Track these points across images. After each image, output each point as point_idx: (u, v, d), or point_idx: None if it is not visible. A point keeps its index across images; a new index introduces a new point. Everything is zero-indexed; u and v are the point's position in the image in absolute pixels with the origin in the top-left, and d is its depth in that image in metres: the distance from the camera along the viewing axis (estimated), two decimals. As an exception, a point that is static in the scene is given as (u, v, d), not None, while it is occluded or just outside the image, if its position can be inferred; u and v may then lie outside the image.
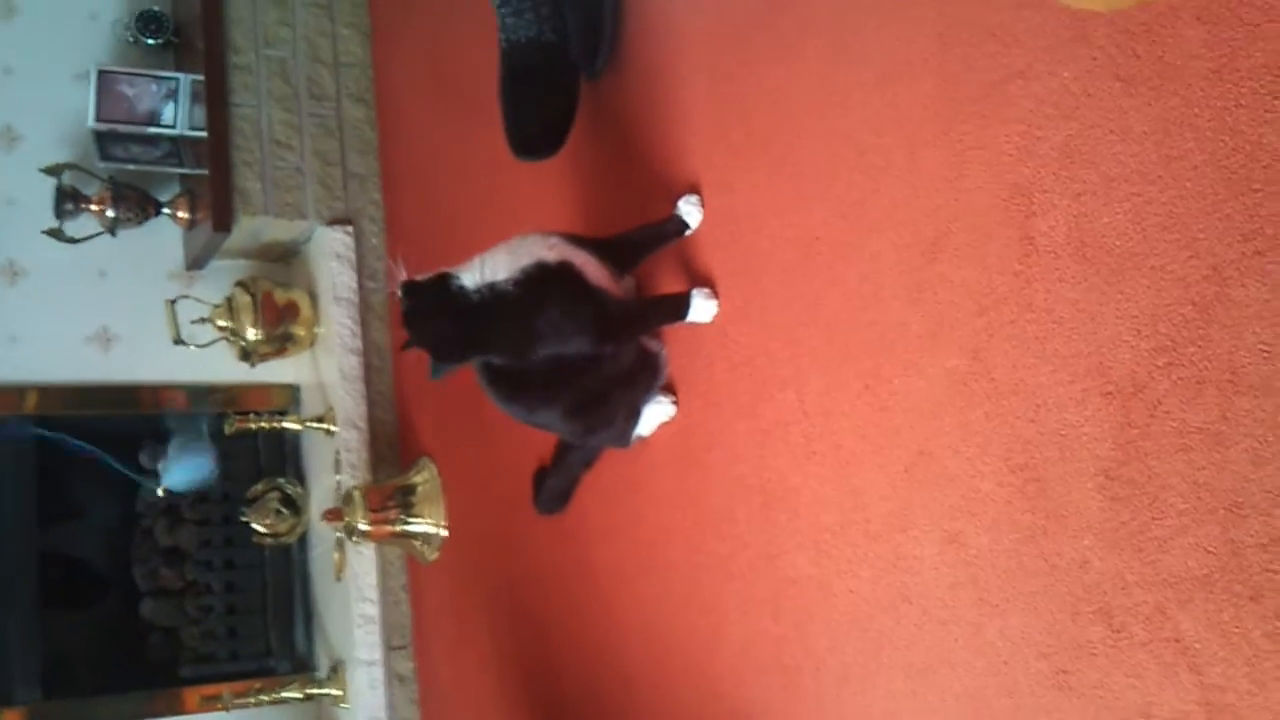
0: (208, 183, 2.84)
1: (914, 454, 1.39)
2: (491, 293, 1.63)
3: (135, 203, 2.92)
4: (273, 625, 3.21)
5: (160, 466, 3.10)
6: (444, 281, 1.65)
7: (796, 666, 1.60)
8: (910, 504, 1.40)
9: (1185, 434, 1.07)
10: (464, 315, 1.64)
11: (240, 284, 3.01)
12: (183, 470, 3.09)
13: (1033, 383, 1.23)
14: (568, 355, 1.70)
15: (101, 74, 2.86)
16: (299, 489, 3.09)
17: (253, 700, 2.88)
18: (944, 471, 1.35)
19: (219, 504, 3.19)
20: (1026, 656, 1.25)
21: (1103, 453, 1.15)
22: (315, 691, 2.95)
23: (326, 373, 3.00)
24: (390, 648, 2.86)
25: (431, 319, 1.65)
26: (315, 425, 2.98)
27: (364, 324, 2.96)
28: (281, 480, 3.09)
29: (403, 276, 1.66)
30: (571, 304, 1.65)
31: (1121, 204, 1.13)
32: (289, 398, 3.22)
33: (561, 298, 1.65)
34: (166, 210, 2.99)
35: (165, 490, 3.09)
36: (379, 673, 2.83)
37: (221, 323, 2.97)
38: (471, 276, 1.64)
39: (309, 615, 3.19)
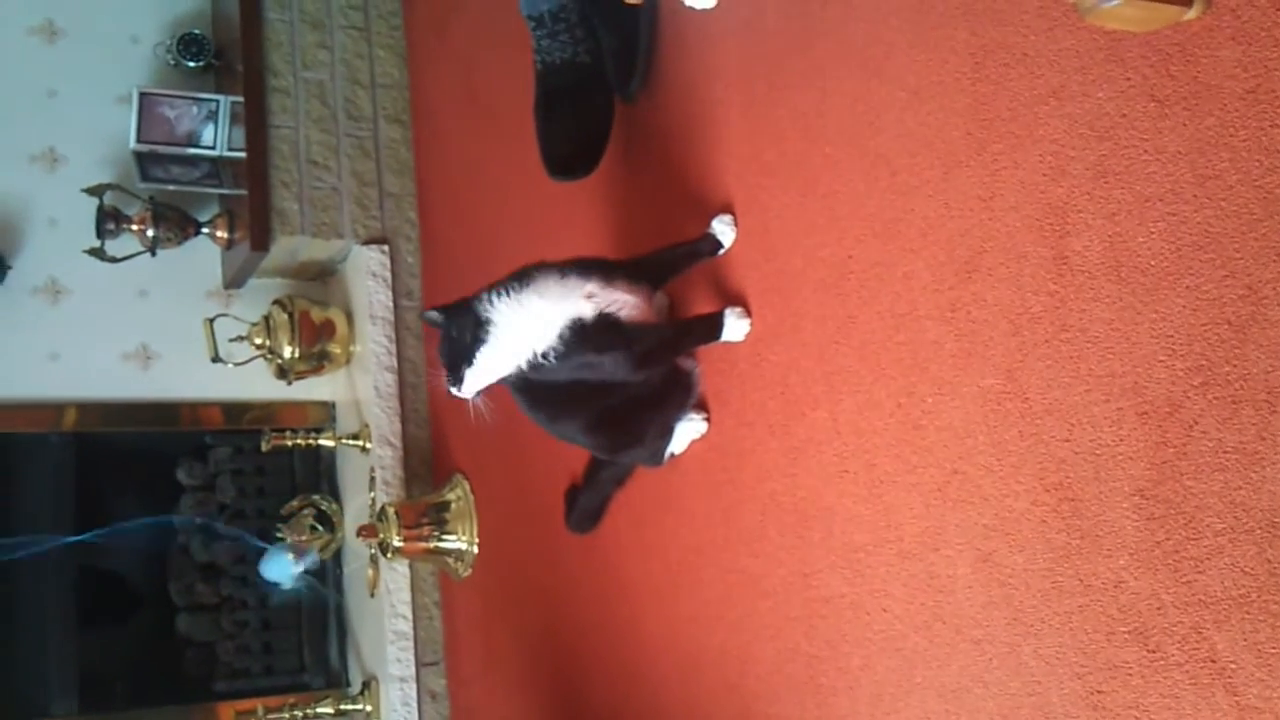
0: (246, 203, 2.88)
1: (947, 473, 1.39)
2: (538, 363, 1.66)
3: (175, 223, 2.97)
4: (307, 641, 3.23)
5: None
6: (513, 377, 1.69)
7: (830, 686, 1.59)
8: (944, 523, 1.40)
9: (1221, 453, 1.07)
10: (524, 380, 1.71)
11: (278, 303, 3.04)
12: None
13: (1067, 402, 1.23)
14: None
15: (143, 96, 2.91)
16: (334, 505, 3.12)
17: (286, 716, 2.89)
18: (978, 491, 1.35)
19: (255, 520, 3.21)
20: (1061, 677, 1.24)
21: (1138, 472, 1.15)
22: (348, 707, 2.96)
23: (362, 390, 3.03)
24: (422, 664, 2.88)
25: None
26: (350, 442, 3.00)
27: (399, 342, 2.98)
28: (316, 497, 3.12)
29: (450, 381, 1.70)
30: (608, 348, 1.67)
31: (1156, 224, 1.13)
32: (325, 415, 3.25)
33: (599, 344, 1.66)
34: (206, 230, 3.03)
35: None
36: (411, 689, 2.84)
37: (259, 341, 3.00)
38: (526, 353, 1.66)
39: (342, 631, 3.21)
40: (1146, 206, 1.14)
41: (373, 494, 2.90)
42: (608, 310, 1.66)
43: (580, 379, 1.71)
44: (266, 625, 3.20)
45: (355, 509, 3.07)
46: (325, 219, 2.97)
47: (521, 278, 1.68)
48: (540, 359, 1.65)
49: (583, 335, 1.64)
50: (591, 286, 1.66)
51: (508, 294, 1.66)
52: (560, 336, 1.64)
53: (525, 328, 1.64)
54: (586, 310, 1.64)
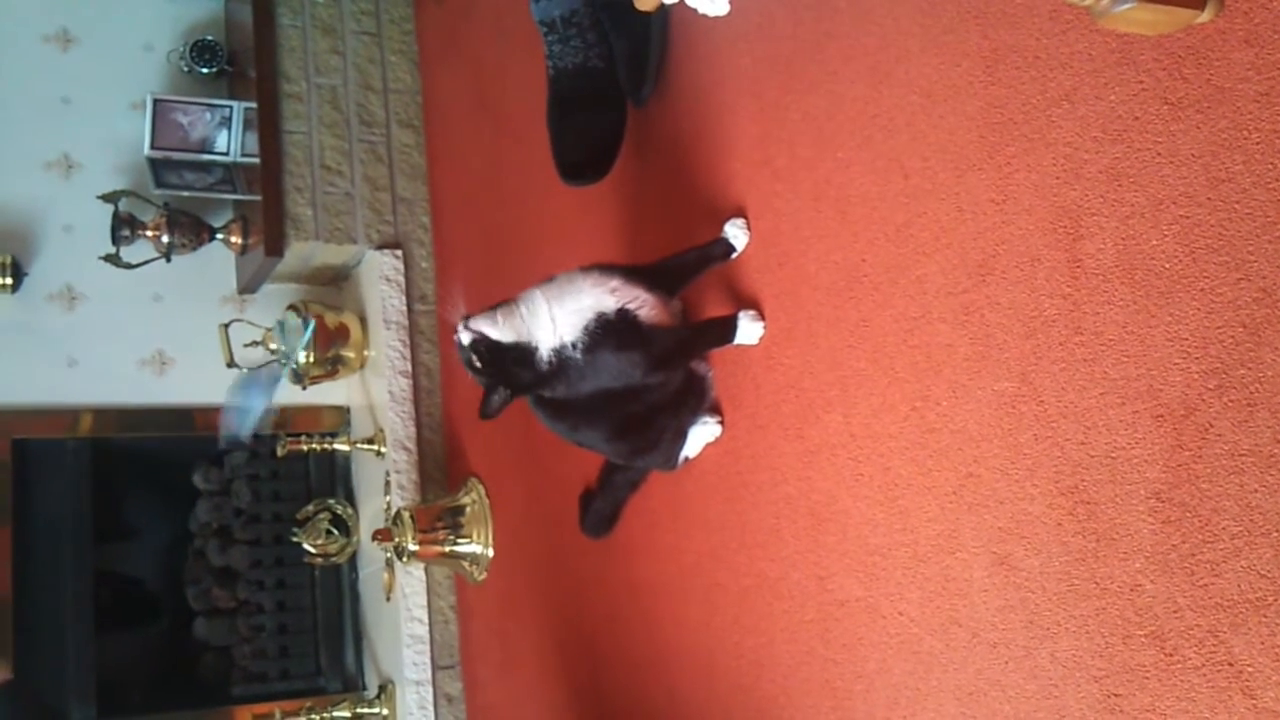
0: (260, 208, 2.89)
1: (962, 476, 1.39)
2: (566, 353, 1.68)
3: (189, 228, 2.98)
4: (323, 645, 3.24)
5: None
6: (528, 354, 1.68)
7: (846, 689, 1.59)
8: (959, 526, 1.40)
9: (1237, 456, 1.07)
10: (544, 380, 1.70)
11: (292, 308, 3.05)
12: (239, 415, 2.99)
13: (1082, 405, 1.23)
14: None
15: (157, 103, 2.92)
16: (349, 510, 3.12)
17: (303, 719, 2.90)
18: (993, 494, 1.35)
19: (270, 524, 3.23)
20: (1078, 680, 1.24)
21: (1153, 475, 1.15)
22: (364, 711, 2.97)
23: (376, 395, 3.04)
24: (439, 667, 2.88)
25: (516, 382, 1.71)
26: (365, 447, 3.01)
27: (413, 346, 2.99)
28: (332, 501, 3.12)
29: (462, 312, 1.70)
30: (626, 349, 1.69)
31: (1170, 226, 1.13)
32: (339, 420, 3.26)
33: (617, 344, 1.68)
34: (220, 236, 3.05)
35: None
36: (427, 692, 2.85)
37: (273, 346, 3.02)
38: (547, 342, 1.67)
39: (358, 635, 3.22)
40: (1160, 209, 1.14)
41: (388, 498, 2.91)
42: (628, 306, 1.68)
43: (601, 389, 1.73)
44: (283, 629, 3.21)
45: (370, 513, 3.08)
46: (339, 224, 2.98)
47: (550, 278, 1.73)
48: (570, 349, 1.67)
49: (605, 331, 1.67)
50: (615, 283, 1.70)
51: (540, 286, 1.71)
52: (586, 328, 1.66)
53: (556, 310, 1.68)
54: (610, 304, 1.67)
